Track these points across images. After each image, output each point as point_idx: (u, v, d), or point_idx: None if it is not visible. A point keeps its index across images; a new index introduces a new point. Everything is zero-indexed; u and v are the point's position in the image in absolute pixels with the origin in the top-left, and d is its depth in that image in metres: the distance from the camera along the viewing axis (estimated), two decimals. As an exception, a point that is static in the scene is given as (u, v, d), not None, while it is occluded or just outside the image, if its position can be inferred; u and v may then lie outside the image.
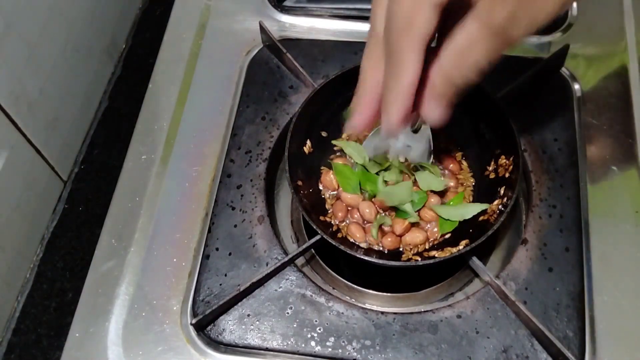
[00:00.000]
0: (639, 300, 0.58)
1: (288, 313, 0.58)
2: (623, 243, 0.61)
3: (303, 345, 0.56)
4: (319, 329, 0.57)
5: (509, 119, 0.59)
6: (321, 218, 0.62)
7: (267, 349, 0.56)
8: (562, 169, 0.64)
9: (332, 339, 0.56)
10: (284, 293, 0.59)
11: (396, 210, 0.61)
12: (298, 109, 0.63)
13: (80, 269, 0.67)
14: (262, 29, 0.73)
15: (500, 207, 0.59)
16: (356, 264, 0.58)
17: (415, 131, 0.64)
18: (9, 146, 0.62)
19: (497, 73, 0.69)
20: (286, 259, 0.59)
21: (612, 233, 0.61)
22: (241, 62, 0.74)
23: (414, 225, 0.61)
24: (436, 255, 0.57)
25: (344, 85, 0.64)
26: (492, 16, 0.39)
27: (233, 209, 0.64)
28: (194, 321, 0.56)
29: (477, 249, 0.56)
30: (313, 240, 0.59)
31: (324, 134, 0.66)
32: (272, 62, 0.74)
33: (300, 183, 0.61)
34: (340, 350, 0.56)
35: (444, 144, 0.67)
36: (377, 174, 0.63)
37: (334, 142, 0.66)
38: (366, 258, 0.56)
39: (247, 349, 0.57)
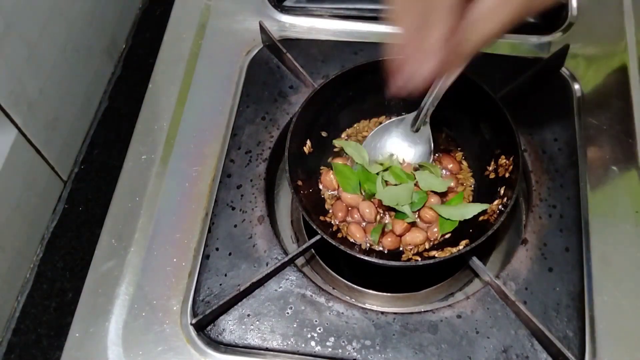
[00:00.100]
0: (639, 300, 0.58)
1: (288, 313, 0.58)
2: (623, 243, 0.60)
3: (303, 345, 0.56)
4: (319, 329, 0.57)
5: (509, 119, 0.59)
6: (321, 218, 0.62)
7: (267, 349, 0.56)
8: (562, 169, 0.64)
9: (332, 339, 0.56)
10: (284, 293, 0.59)
11: (395, 210, 0.61)
12: (298, 109, 0.63)
13: (80, 269, 0.67)
14: (262, 29, 0.73)
15: (500, 207, 0.59)
16: (356, 264, 0.58)
17: (416, 131, 0.64)
18: (9, 146, 0.62)
19: (497, 73, 0.70)
20: (286, 259, 0.59)
21: (612, 233, 0.61)
22: (241, 62, 0.74)
23: (414, 225, 0.61)
24: (436, 255, 0.57)
25: (344, 85, 0.64)
26: None
27: (233, 209, 0.64)
28: (194, 321, 0.56)
29: (477, 249, 0.56)
30: (313, 240, 0.59)
31: (324, 134, 0.66)
32: (272, 62, 0.74)
33: (300, 183, 0.61)
34: (340, 350, 0.56)
35: (444, 144, 0.67)
36: (377, 174, 0.63)
37: (334, 142, 0.66)
38: (366, 258, 0.56)
39: (247, 349, 0.57)
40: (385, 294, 0.61)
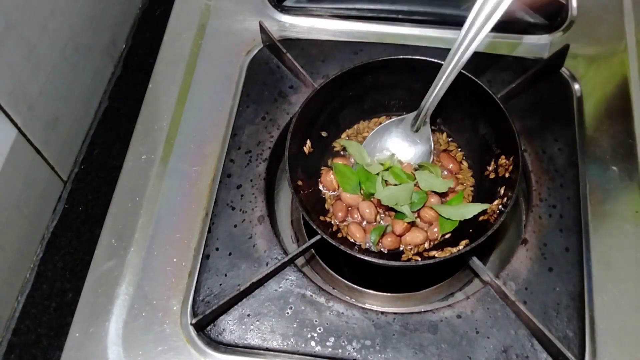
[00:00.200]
0: (639, 300, 0.58)
1: (288, 313, 0.58)
2: (623, 243, 0.60)
3: (303, 345, 0.56)
4: (319, 329, 0.57)
5: (509, 119, 0.59)
6: (321, 218, 0.62)
7: (267, 349, 0.56)
8: (562, 169, 0.64)
9: (332, 339, 0.56)
10: (284, 293, 0.59)
11: (395, 210, 0.61)
12: (298, 109, 0.63)
13: (80, 269, 0.67)
14: (262, 29, 0.73)
15: (500, 207, 0.59)
16: (356, 264, 0.58)
17: (416, 131, 0.64)
18: (9, 146, 0.62)
19: (497, 73, 0.70)
20: (286, 259, 0.59)
21: (612, 233, 0.61)
22: (241, 62, 0.74)
23: (414, 225, 0.61)
24: (436, 255, 0.57)
25: (344, 85, 0.64)
26: None
27: (233, 209, 0.64)
28: (194, 321, 0.56)
29: (477, 249, 0.55)
30: (313, 240, 0.59)
31: (324, 134, 0.66)
32: (272, 62, 0.74)
33: (300, 183, 0.61)
34: (340, 350, 0.56)
35: (444, 144, 0.67)
36: (377, 174, 0.63)
37: (335, 142, 0.66)
38: (366, 258, 0.56)
39: (247, 349, 0.57)
40: (385, 294, 0.61)
